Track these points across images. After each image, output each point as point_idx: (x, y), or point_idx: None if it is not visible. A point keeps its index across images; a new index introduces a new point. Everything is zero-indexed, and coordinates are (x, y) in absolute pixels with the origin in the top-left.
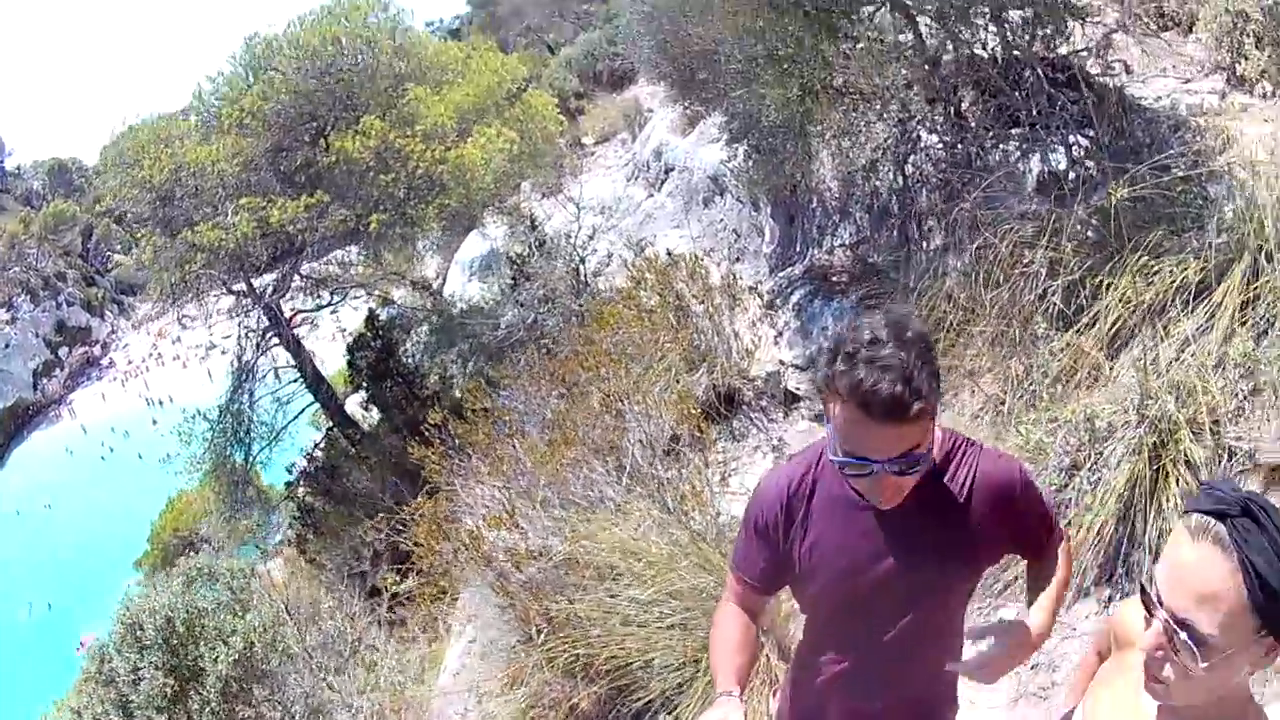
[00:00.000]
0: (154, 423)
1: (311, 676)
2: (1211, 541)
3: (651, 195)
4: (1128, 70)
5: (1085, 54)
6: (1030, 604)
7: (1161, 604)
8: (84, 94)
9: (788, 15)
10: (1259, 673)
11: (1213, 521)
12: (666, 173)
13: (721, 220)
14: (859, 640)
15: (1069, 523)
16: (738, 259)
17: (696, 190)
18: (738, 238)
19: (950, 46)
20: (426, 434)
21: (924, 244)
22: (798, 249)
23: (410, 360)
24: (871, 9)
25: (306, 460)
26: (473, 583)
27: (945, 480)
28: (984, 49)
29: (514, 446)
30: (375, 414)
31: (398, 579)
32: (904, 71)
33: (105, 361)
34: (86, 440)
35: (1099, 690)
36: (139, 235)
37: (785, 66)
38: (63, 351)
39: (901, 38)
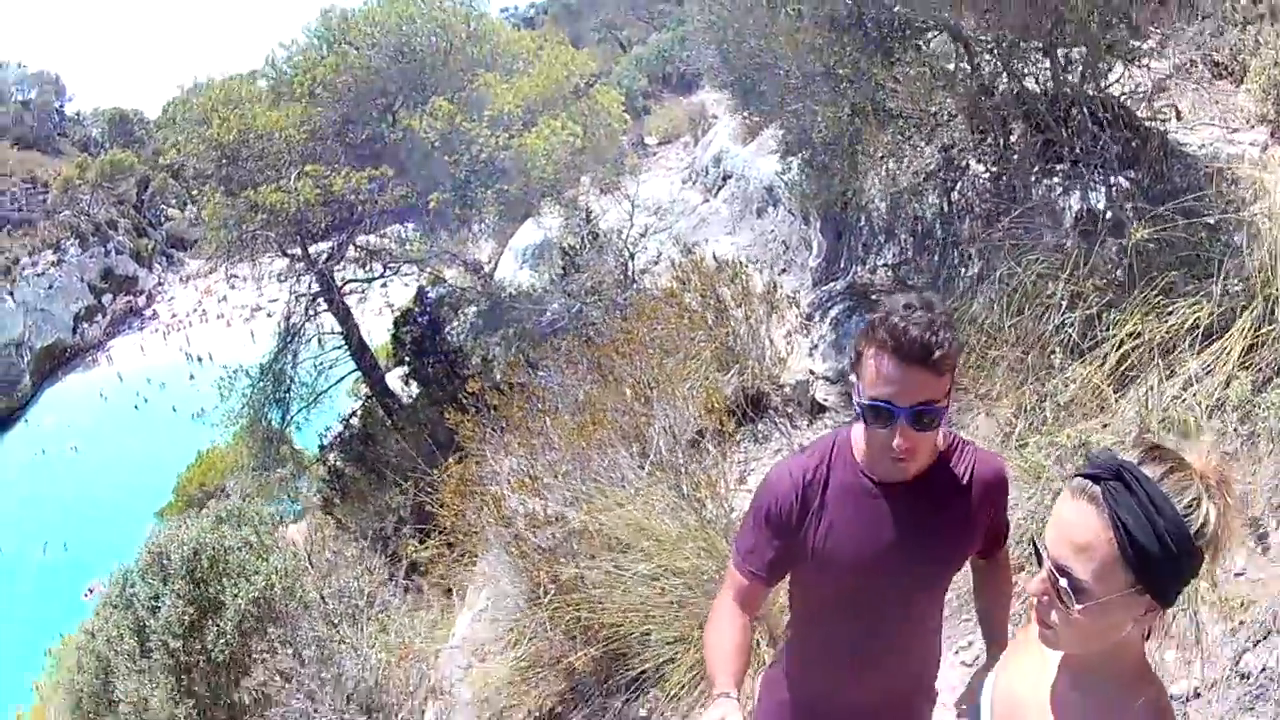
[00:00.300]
0: (191, 377)
1: (325, 624)
2: (1087, 500)
3: (707, 200)
4: (1178, 116)
5: (1137, 97)
6: (985, 621)
7: (1047, 554)
8: (146, 47)
9: (847, 35)
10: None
11: (1090, 483)
12: (724, 180)
13: (772, 231)
14: (861, 631)
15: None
16: (784, 270)
17: (751, 199)
18: (786, 249)
19: (1004, 78)
20: (464, 402)
21: (962, 270)
22: (842, 265)
23: (455, 339)
24: (932, 35)
25: (343, 426)
26: (491, 547)
27: (949, 467)
28: (1036, 83)
29: (545, 422)
30: (415, 389)
31: (419, 544)
32: (950, 100)
33: (148, 313)
34: (122, 388)
35: (1014, 653)
36: (197, 192)
37: (839, 85)
38: (106, 298)
39: (957, 65)
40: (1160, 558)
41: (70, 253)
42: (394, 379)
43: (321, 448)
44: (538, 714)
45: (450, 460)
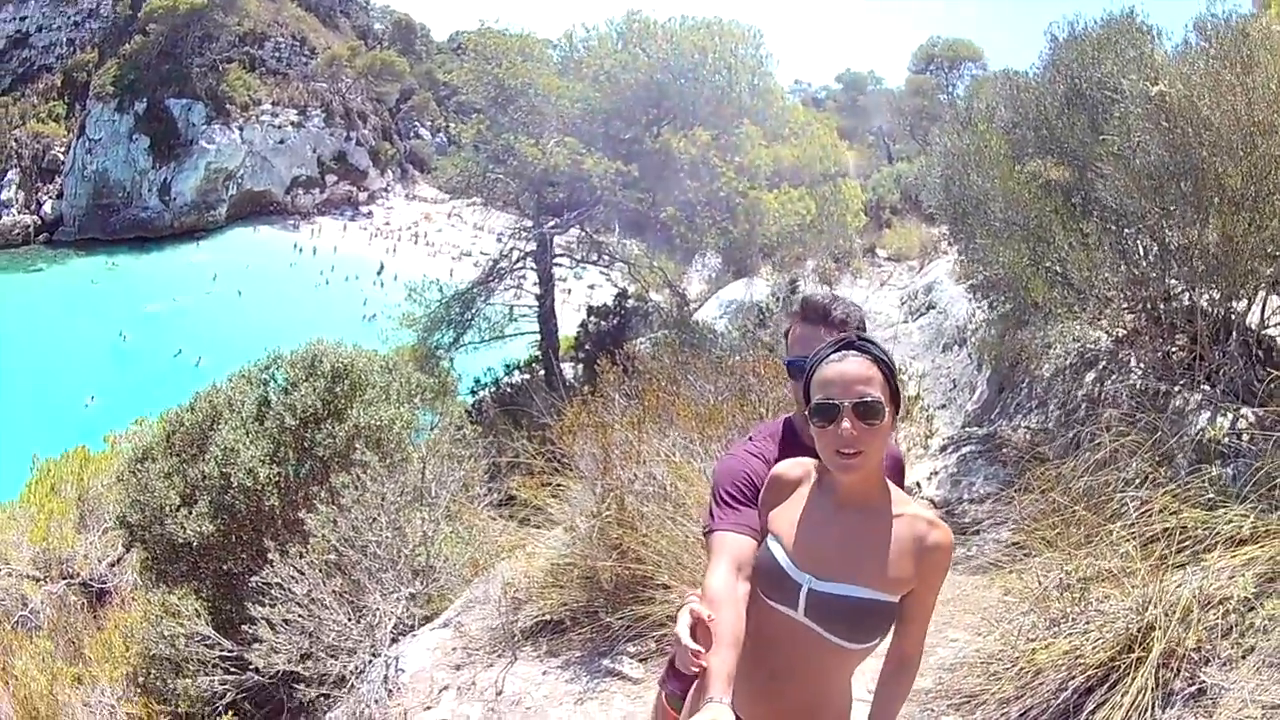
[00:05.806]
0: (379, 285)
1: (416, 481)
2: (854, 355)
3: (906, 322)
4: None
5: None
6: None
7: (845, 404)
8: None
9: (1051, 199)
10: None
11: (848, 348)
12: (927, 309)
13: (949, 368)
14: None
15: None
16: (944, 405)
17: (943, 334)
18: (954, 386)
19: (1187, 295)
20: (614, 358)
21: (1089, 455)
22: (993, 416)
23: (637, 347)
24: (1132, 232)
25: (504, 372)
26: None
27: None
28: (1208, 303)
29: (673, 402)
30: (581, 371)
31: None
32: (1125, 291)
33: (365, 210)
34: (311, 261)
35: (780, 518)
36: (456, 123)
37: (1030, 240)
38: (330, 178)
39: (1149, 263)
40: (895, 376)
41: (313, 121)
42: (567, 367)
43: (477, 381)
44: (546, 617)
45: (584, 390)
